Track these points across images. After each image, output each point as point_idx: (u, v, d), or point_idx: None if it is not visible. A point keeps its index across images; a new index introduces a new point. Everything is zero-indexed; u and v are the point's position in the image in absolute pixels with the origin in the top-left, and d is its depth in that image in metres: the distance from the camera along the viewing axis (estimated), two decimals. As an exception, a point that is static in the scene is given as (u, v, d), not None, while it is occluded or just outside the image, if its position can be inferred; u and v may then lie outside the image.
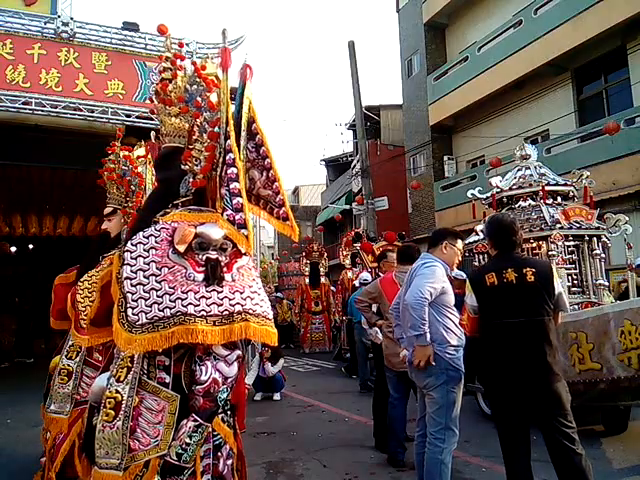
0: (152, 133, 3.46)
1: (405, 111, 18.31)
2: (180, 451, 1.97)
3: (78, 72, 7.02)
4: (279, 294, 15.01)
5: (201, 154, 2.29)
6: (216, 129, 2.22)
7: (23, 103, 6.70)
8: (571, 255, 5.31)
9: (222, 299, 2.01)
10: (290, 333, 14.29)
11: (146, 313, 1.95)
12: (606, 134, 9.38)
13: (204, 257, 2.08)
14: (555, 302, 2.94)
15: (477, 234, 5.92)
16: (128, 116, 7.14)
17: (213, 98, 2.35)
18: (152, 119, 6.66)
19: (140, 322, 1.94)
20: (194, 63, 2.51)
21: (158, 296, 1.98)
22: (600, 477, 3.18)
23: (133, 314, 1.95)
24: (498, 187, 5.82)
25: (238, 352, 2.13)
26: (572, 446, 2.75)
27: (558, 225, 5.13)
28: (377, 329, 4.69)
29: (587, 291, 5.31)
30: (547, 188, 5.46)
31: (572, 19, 11.43)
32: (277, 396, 7.15)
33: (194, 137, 2.40)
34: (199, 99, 2.44)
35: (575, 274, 5.33)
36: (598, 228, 5.33)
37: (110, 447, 1.97)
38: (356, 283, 8.95)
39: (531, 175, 5.69)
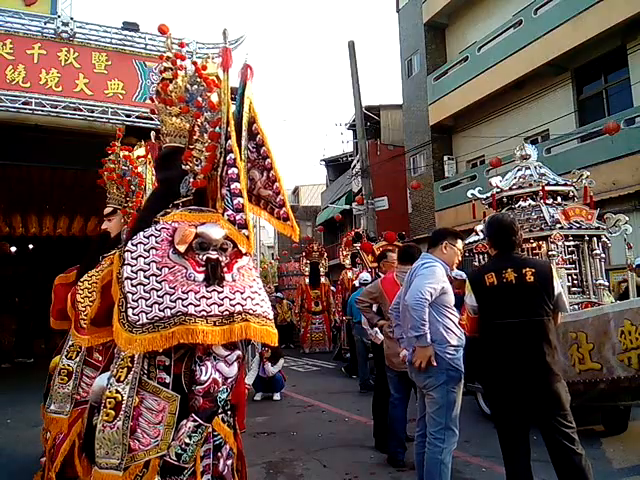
0: (152, 133, 3.46)
1: (405, 111, 18.31)
2: (179, 451, 1.97)
3: (78, 72, 7.02)
4: (279, 294, 15.01)
5: (202, 154, 2.29)
6: (217, 129, 2.22)
7: (23, 103, 6.70)
8: (571, 255, 5.31)
9: (222, 299, 2.01)
10: (290, 333, 14.29)
11: (146, 313, 1.95)
12: (606, 134, 9.39)
13: (204, 257, 2.08)
14: (555, 302, 2.94)
15: (477, 234, 5.92)
16: (128, 116, 7.14)
17: (214, 98, 2.34)
18: (152, 119, 6.67)
19: (140, 322, 1.94)
20: (195, 63, 2.51)
21: (158, 296, 1.98)
22: (600, 477, 3.18)
23: (133, 314, 1.95)
24: (498, 187, 5.82)
25: (238, 352, 2.12)
26: (572, 446, 2.75)
27: (558, 225, 5.13)
28: (377, 329, 4.69)
29: (587, 291, 5.31)
30: (547, 188, 5.46)
31: (572, 19, 11.43)
32: (277, 396, 7.16)
33: (195, 137, 2.40)
34: (200, 99, 2.44)
35: (575, 274, 5.33)
36: (598, 228, 5.33)
37: (110, 447, 1.97)
38: (356, 283, 8.95)
39: (531, 175, 5.69)
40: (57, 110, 6.87)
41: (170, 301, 1.97)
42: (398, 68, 18.67)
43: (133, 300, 1.97)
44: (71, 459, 2.85)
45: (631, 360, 3.73)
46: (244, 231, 2.08)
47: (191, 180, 2.33)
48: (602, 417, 4.82)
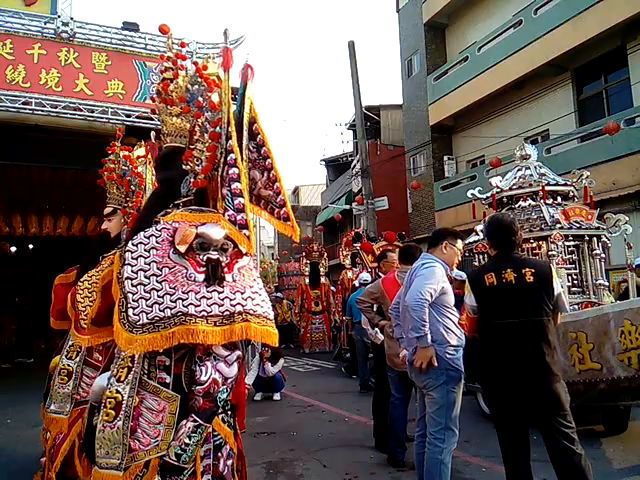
0: (152, 133, 3.47)
1: (405, 111, 18.32)
2: (179, 451, 1.97)
3: (78, 72, 7.02)
4: (279, 294, 15.01)
5: (202, 154, 2.29)
6: (217, 129, 2.22)
7: (23, 103, 6.70)
8: (571, 255, 5.31)
9: (223, 299, 2.01)
10: (290, 333, 14.29)
11: (147, 313, 1.95)
12: (606, 134, 9.39)
13: (205, 257, 2.08)
14: (554, 303, 2.94)
15: (477, 234, 5.93)
16: (128, 116, 7.14)
17: (214, 98, 2.35)
18: (152, 119, 6.68)
19: (141, 322, 1.94)
20: (196, 63, 2.51)
21: (159, 296, 1.98)
22: (600, 477, 3.19)
23: (134, 314, 1.95)
24: (498, 187, 5.82)
25: (238, 353, 2.12)
26: (571, 446, 2.76)
27: (558, 225, 5.13)
28: (377, 329, 4.69)
29: (587, 291, 5.31)
30: (547, 188, 5.46)
31: (572, 19, 11.43)
32: (277, 396, 7.16)
33: (195, 137, 2.40)
34: (200, 99, 2.44)
35: (575, 274, 5.33)
36: (598, 228, 5.33)
37: (110, 447, 1.97)
38: (356, 283, 8.96)
39: (531, 175, 5.69)
40: (57, 110, 6.87)
41: (170, 301, 1.97)
42: (398, 68, 18.71)
43: (133, 300, 1.97)
44: (71, 459, 2.86)
45: (631, 360, 3.73)
46: (245, 231, 2.09)
47: (192, 180, 2.33)
48: (602, 417, 4.82)
